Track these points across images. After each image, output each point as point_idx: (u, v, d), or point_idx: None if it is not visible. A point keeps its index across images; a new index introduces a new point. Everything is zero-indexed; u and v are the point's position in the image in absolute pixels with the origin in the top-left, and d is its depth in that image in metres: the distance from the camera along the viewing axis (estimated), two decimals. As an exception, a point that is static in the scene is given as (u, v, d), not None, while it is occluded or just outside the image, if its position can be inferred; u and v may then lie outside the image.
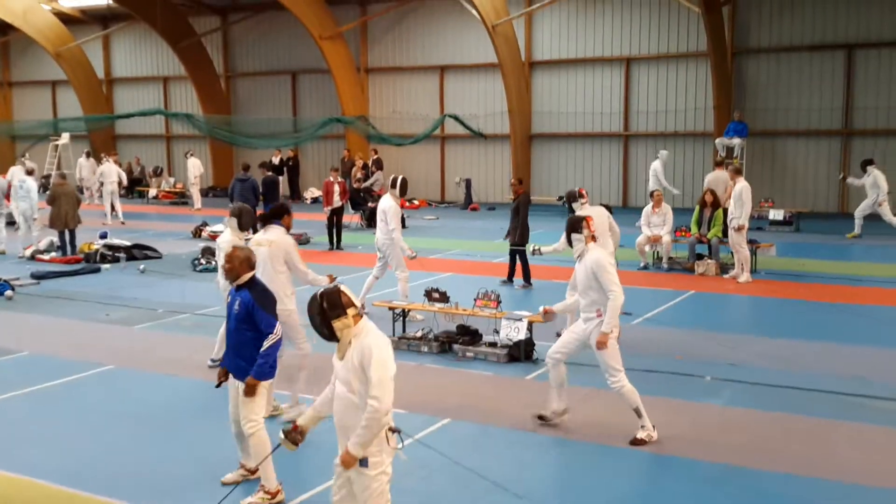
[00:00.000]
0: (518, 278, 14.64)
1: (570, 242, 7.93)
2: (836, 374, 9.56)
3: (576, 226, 7.79)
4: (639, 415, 7.53)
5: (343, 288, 5.14)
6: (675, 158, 26.73)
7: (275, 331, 6.50)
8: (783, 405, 8.53)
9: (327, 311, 5.02)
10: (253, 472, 6.67)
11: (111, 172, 25.32)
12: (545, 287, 14.18)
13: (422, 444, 7.02)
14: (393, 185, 12.54)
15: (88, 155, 31.49)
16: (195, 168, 28.97)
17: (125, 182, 28.30)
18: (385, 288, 13.36)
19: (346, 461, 4.99)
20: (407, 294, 12.22)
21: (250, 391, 6.44)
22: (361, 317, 5.12)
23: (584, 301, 7.71)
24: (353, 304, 5.07)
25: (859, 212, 20.05)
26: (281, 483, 6.50)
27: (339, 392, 5.11)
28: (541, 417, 8.05)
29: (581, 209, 10.80)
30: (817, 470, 7.02)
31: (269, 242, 8.66)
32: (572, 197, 11.12)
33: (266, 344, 6.44)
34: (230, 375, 6.71)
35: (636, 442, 7.49)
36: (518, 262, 14.56)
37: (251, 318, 6.50)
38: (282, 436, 5.38)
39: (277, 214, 9.00)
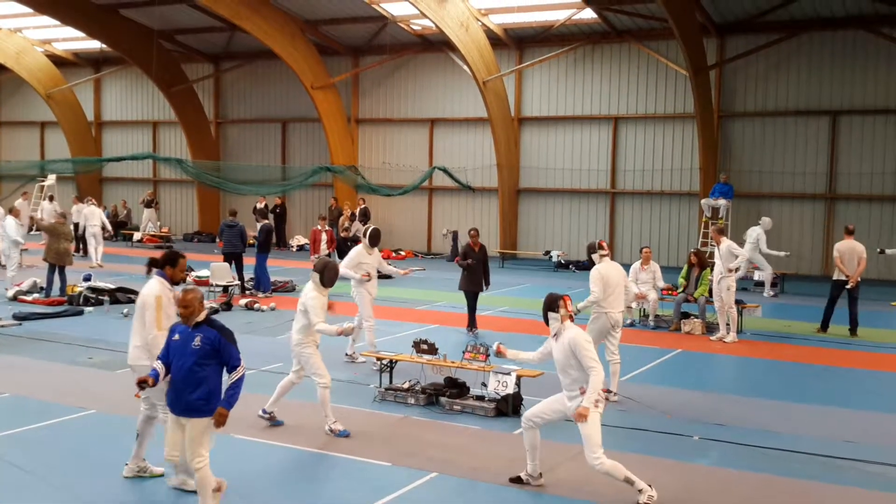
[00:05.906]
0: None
1: (546, 321, 7.74)
2: (823, 436, 9.54)
3: (552, 305, 7.65)
4: (630, 483, 7.31)
5: None
6: (660, 217, 26.99)
7: (242, 362, 6.80)
8: (771, 467, 8.48)
9: None
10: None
11: (94, 215, 25.09)
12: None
13: (408, 499, 6.92)
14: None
15: (52, 199, 29.84)
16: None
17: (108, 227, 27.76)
18: (376, 338, 13.23)
19: None
20: (374, 343, 12.81)
21: (223, 421, 6.66)
22: None
23: (566, 380, 7.57)
24: None
25: None
26: None
27: None
28: (516, 480, 7.90)
29: (600, 261, 10.92)
30: (808, 534, 6.96)
31: (140, 296, 7.77)
32: (592, 248, 11.14)
33: (236, 375, 6.74)
34: (173, 415, 6.88)
35: None
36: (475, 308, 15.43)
37: (217, 354, 6.75)
38: None
39: (160, 262, 7.84)
